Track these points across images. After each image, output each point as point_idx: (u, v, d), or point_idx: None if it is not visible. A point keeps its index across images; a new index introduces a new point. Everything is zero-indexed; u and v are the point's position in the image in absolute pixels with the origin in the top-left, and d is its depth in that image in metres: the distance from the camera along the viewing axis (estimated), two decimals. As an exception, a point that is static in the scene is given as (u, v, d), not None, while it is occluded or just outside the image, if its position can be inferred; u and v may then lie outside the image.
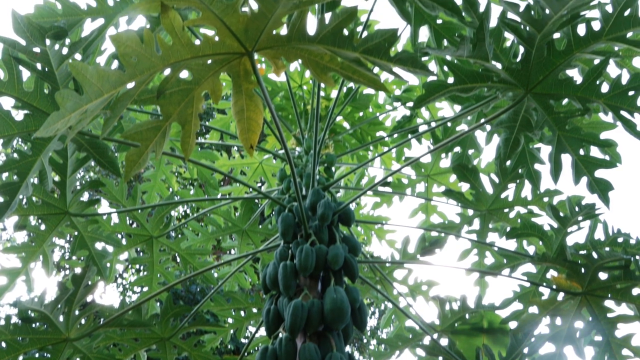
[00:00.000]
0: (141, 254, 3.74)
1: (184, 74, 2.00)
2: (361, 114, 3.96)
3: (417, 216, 4.08)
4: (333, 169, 3.44)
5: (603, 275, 2.67)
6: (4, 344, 2.75)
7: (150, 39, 1.80)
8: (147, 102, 2.00)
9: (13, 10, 2.11)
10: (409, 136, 3.65)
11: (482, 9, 2.58)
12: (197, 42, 1.91)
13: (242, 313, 3.84)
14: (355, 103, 3.82)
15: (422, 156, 2.74)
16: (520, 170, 2.93)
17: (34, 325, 2.79)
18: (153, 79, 1.89)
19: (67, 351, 2.88)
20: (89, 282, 2.82)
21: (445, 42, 2.94)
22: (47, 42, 2.16)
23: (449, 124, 3.56)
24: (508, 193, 3.32)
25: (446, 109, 4.32)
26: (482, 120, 2.48)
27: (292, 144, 3.68)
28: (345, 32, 1.84)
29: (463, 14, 2.56)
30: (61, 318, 2.82)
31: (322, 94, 3.76)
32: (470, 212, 3.44)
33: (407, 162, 2.83)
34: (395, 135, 3.80)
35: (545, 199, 3.28)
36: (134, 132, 1.98)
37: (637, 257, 2.81)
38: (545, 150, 2.66)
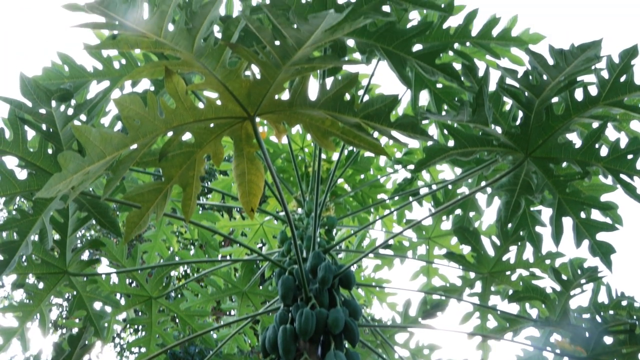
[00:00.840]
0: (140, 314, 3.70)
1: (186, 136, 2.03)
2: (362, 176, 3.98)
3: (418, 279, 4.05)
4: (334, 231, 3.43)
5: (608, 340, 2.62)
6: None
7: (153, 102, 1.83)
8: (149, 165, 2.02)
9: (21, 74, 2.15)
10: (410, 199, 3.66)
11: (481, 73, 2.65)
12: (200, 105, 1.93)
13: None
14: (356, 165, 3.85)
15: (423, 219, 2.74)
16: (521, 233, 2.93)
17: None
18: (155, 141, 1.91)
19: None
20: (86, 343, 2.78)
21: (445, 106, 2.99)
22: (53, 103, 2.19)
23: (449, 187, 3.57)
24: (510, 255, 3.30)
25: (447, 171, 4.35)
26: (483, 184, 2.49)
27: (293, 206, 3.69)
28: (347, 97, 1.86)
29: (462, 78, 2.61)
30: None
31: (323, 156, 3.79)
32: (472, 274, 3.41)
33: (408, 226, 2.84)
34: (397, 198, 3.81)
35: (547, 262, 3.26)
36: (135, 193, 1.99)
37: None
38: (546, 213, 2.67)
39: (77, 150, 2.40)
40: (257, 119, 2.03)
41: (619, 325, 2.54)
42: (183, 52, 1.72)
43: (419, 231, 3.92)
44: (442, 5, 2.62)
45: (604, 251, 2.42)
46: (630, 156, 2.24)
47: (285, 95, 1.96)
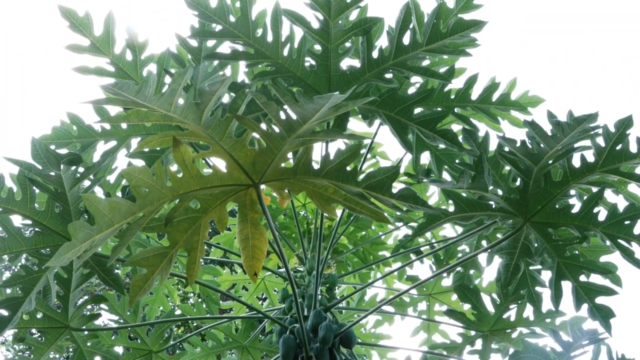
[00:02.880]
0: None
1: (192, 202, 2.07)
2: (363, 232, 4.01)
3: (419, 335, 4.04)
4: (335, 289, 3.45)
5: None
6: None
7: (160, 171, 1.87)
8: (155, 230, 2.06)
9: (33, 138, 2.21)
10: (411, 257, 3.68)
11: (481, 134, 2.71)
12: (207, 170, 1.98)
13: None
14: (358, 223, 3.88)
15: (426, 280, 2.77)
16: (521, 291, 2.94)
17: None
18: (162, 208, 1.96)
19: None
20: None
21: (445, 167, 3.04)
22: (62, 167, 2.25)
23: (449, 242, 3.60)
24: (510, 313, 3.31)
25: (447, 227, 4.37)
26: (483, 243, 2.52)
27: (295, 263, 3.71)
28: (349, 167, 1.91)
29: (462, 142, 2.67)
30: None
31: (325, 214, 3.83)
32: (473, 332, 3.41)
33: (412, 286, 2.86)
34: (398, 254, 3.83)
35: (548, 320, 3.26)
36: (140, 258, 2.02)
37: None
38: (545, 275, 2.69)
39: (85, 210, 2.45)
40: (262, 187, 2.07)
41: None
42: (191, 124, 1.78)
43: (420, 287, 3.92)
44: (443, 72, 2.69)
45: (604, 315, 2.44)
46: (627, 222, 2.28)
47: (289, 163, 2.02)
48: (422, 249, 3.78)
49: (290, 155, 1.99)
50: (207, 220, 2.12)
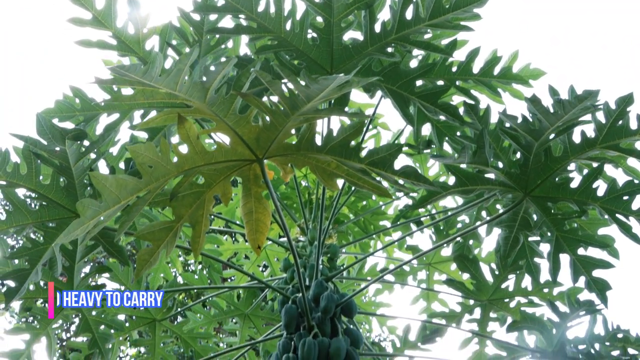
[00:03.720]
0: (143, 336, 3.75)
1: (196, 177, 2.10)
2: (364, 202, 4.04)
3: (418, 303, 4.11)
4: (336, 259, 3.49)
5: (604, 374, 2.69)
6: None
7: (166, 148, 1.89)
8: (160, 204, 2.09)
9: (37, 114, 2.23)
10: (411, 226, 3.72)
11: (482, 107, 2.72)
12: (210, 140, 2.00)
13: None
14: (359, 193, 3.90)
15: (427, 252, 2.81)
16: (520, 262, 2.99)
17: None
18: (167, 183, 1.98)
19: None
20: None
21: (446, 139, 3.06)
22: (67, 142, 2.26)
23: (449, 213, 3.63)
24: (508, 283, 3.36)
25: (448, 198, 4.39)
26: (483, 220, 2.55)
27: (297, 233, 3.74)
28: (352, 144, 1.93)
29: (464, 116, 2.68)
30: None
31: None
32: (471, 301, 3.47)
33: (414, 257, 2.90)
34: (398, 223, 3.86)
35: (545, 290, 3.31)
36: (146, 232, 2.06)
37: (634, 351, 2.84)
38: (543, 248, 2.72)
39: (90, 184, 2.48)
40: (265, 162, 2.10)
41: (614, 361, 2.61)
42: (196, 102, 1.79)
43: (419, 257, 3.97)
44: (445, 45, 2.69)
45: (600, 288, 2.48)
46: (626, 197, 2.31)
47: (293, 139, 2.03)
48: (422, 219, 3.82)
49: (293, 131, 2.01)
50: (212, 195, 2.15)
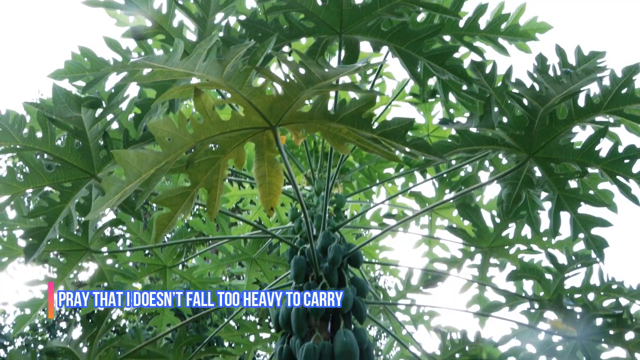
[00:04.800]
0: (155, 282, 3.88)
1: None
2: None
3: (420, 247, 4.22)
4: (342, 208, 3.57)
5: (598, 321, 2.83)
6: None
7: (183, 120, 1.94)
8: (177, 172, 2.15)
9: (54, 85, 2.26)
10: (415, 175, 3.79)
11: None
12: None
13: (251, 338, 3.98)
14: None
15: (433, 207, 2.89)
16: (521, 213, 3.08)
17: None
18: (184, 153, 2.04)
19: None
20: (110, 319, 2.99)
21: (450, 93, 3.10)
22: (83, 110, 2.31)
23: (453, 162, 3.69)
24: (509, 231, 3.46)
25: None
26: (487, 180, 2.63)
27: (303, 183, 3.81)
28: (365, 115, 1.98)
29: (471, 74, 2.71)
30: (84, 350, 3.00)
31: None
32: (472, 248, 3.58)
33: (423, 209, 2.97)
34: (402, 170, 3.93)
35: (545, 239, 3.42)
36: (164, 198, 2.13)
37: (627, 301, 2.97)
38: (545, 205, 2.80)
39: (104, 146, 2.53)
40: (278, 129, 2.15)
41: (608, 313, 2.74)
42: (213, 78, 1.83)
43: (422, 202, 4.06)
44: (450, 4, 2.70)
45: (598, 245, 2.58)
46: (627, 161, 2.38)
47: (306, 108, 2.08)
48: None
49: (307, 101, 2.05)
50: (226, 160, 2.21)
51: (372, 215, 4.19)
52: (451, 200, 3.70)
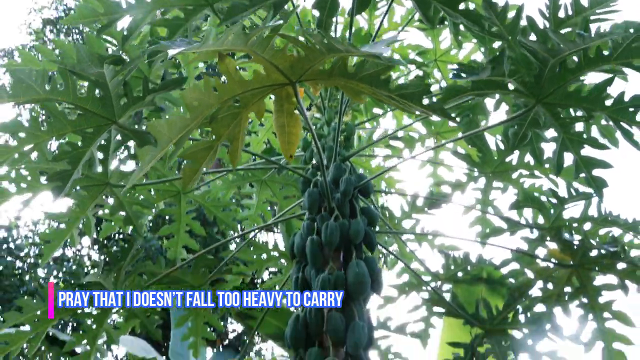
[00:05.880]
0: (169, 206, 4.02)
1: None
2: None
3: (425, 168, 4.35)
4: (352, 137, 3.66)
5: (593, 252, 3.02)
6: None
7: (208, 84, 2.02)
8: (201, 127, 2.24)
9: (76, 44, 2.29)
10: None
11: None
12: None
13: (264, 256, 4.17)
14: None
15: (439, 146, 2.98)
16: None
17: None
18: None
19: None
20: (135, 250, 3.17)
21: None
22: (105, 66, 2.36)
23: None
24: (512, 157, 3.58)
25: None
26: (497, 122, 2.72)
27: (313, 110, 3.85)
28: (383, 77, 2.05)
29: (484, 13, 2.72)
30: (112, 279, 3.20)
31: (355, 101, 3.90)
32: (476, 172, 3.71)
33: (434, 148, 3.08)
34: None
35: (547, 165, 3.54)
36: (190, 152, 2.24)
37: (620, 230, 3.14)
38: (550, 146, 2.90)
39: (124, 94, 2.60)
40: (297, 84, 2.22)
41: (603, 247, 2.93)
42: (238, 48, 1.89)
43: (428, 126, 4.16)
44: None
45: (598, 185, 2.71)
46: (631, 109, 2.47)
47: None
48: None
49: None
50: (247, 114, 2.29)
51: (380, 140, 4.27)
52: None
